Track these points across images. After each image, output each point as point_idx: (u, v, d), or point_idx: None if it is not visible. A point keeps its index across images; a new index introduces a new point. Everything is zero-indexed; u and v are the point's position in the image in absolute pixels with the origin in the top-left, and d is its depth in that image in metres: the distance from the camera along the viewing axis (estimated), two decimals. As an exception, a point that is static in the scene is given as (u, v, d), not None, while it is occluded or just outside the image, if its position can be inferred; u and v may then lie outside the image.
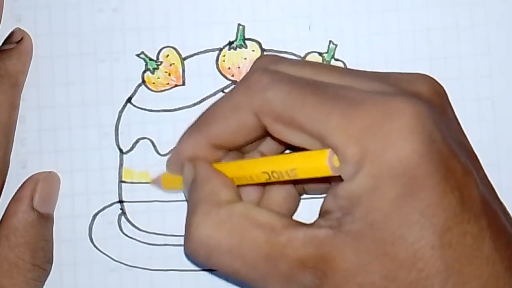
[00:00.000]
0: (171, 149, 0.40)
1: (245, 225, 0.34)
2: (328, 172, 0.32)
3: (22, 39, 0.42)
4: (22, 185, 0.41)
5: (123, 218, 0.42)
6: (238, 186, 0.37)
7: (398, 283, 0.30)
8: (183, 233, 0.41)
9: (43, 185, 0.41)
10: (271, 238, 0.33)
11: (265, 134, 0.36)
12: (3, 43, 0.42)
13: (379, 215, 0.31)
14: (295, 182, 0.38)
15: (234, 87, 0.37)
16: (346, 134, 0.32)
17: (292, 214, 0.39)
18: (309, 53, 0.43)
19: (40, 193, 0.40)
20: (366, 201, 0.31)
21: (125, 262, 0.42)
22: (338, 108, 0.32)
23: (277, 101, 0.34)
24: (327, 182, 0.37)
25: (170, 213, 0.42)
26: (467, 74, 0.43)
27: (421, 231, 0.30)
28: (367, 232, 0.31)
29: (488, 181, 0.34)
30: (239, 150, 0.38)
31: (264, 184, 0.37)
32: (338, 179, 0.33)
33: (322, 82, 0.34)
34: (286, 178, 0.34)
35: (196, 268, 0.42)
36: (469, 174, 0.32)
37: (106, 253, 0.42)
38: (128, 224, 0.42)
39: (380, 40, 0.43)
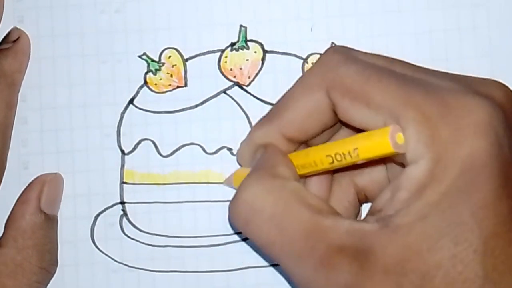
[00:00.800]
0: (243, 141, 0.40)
1: (294, 199, 0.34)
2: (389, 149, 0.32)
3: (18, 38, 0.42)
4: (28, 186, 0.41)
5: (124, 219, 0.42)
6: (305, 177, 0.37)
7: (435, 283, 0.30)
8: (184, 234, 0.42)
9: (50, 187, 0.41)
10: (316, 218, 0.33)
11: (334, 121, 0.36)
12: (0, 43, 0.42)
13: (435, 210, 0.30)
14: (357, 167, 0.38)
15: (306, 71, 0.37)
16: (423, 115, 0.31)
17: None
18: (311, 54, 0.43)
19: (47, 195, 0.40)
20: (427, 192, 0.31)
21: (127, 263, 0.42)
22: (418, 91, 0.32)
23: (350, 76, 0.34)
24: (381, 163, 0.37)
25: (172, 214, 0.42)
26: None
27: (467, 233, 0.30)
28: (416, 227, 0.31)
29: None
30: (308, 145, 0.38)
31: (328, 172, 0.37)
32: (398, 169, 0.33)
33: (397, 70, 0.34)
34: (349, 160, 0.34)
35: (198, 269, 0.42)
36: None
37: (108, 254, 0.42)
38: (130, 225, 0.42)
39: (382, 41, 0.43)
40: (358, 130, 0.34)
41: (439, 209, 0.30)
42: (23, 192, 0.41)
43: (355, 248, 0.31)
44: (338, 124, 0.37)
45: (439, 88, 0.32)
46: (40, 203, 0.40)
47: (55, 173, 0.42)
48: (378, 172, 0.38)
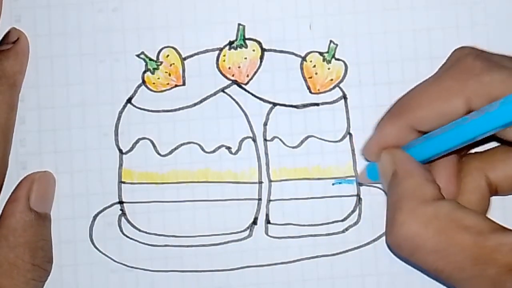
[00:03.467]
0: (370, 136, 0.40)
1: (452, 226, 0.34)
2: None
3: (18, 39, 0.42)
4: (18, 185, 0.41)
5: (123, 219, 0.42)
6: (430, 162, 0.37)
7: None
8: (183, 234, 0.42)
9: (39, 185, 0.40)
10: (479, 241, 0.34)
11: None
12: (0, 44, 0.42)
13: None
14: None
15: (440, 73, 0.37)
16: None
17: None
18: (309, 52, 0.43)
19: (36, 192, 0.40)
20: None
21: (125, 263, 0.42)
22: None
23: (495, 86, 0.34)
24: None
25: (171, 214, 0.42)
26: (467, 73, 0.43)
27: None
28: None
29: None
30: None
31: (453, 157, 0.38)
32: None
33: None
34: None
35: (197, 269, 0.42)
36: None
37: (107, 254, 0.42)
38: (128, 225, 0.42)
39: (380, 39, 0.43)
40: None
41: None
42: (13, 191, 0.40)
43: None
44: None
45: None
46: (30, 201, 0.40)
47: (45, 171, 0.42)
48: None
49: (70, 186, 0.42)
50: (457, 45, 0.42)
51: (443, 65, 0.39)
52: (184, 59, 0.43)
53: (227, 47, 0.43)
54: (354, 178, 0.42)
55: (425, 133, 0.38)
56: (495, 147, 0.40)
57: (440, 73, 0.37)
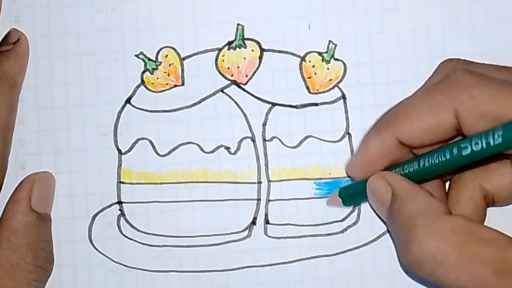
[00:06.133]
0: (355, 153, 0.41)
1: (471, 240, 0.34)
2: None
3: (18, 40, 0.42)
4: (18, 186, 0.41)
5: (122, 219, 0.42)
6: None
7: None
8: (182, 234, 0.42)
9: (40, 186, 0.41)
10: (500, 254, 0.33)
11: (453, 137, 0.36)
12: (0, 45, 0.42)
13: None
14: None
15: (429, 87, 0.37)
16: None
17: None
18: (308, 52, 0.43)
19: (37, 193, 0.40)
20: None
21: (124, 263, 0.42)
22: None
23: (485, 98, 0.34)
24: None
25: (169, 214, 0.42)
26: (467, 73, 0.42)
27: None
28: None
29: None
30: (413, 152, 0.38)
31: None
32: None
33: None
34: None
35: (196, 269, 0.42)
36: None
37: (106, 254, 0.42)
38: (127, 225, 0.42)
39: (380, 39, 0.43)
40: None
41: None
42: (14, 192, 0.40)
43: None
44: None
45: None
46: (31, 202, 0.40)
47: (45, 172, 0.42)
48: (508, 178, 0.38)
49: (69, 186, 0.42)
50: (457, 44, 0.43)
51: (430, 78, 0.39)
52: (183, 59, 0.43)
53: (226, 47, 0.43)
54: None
55: (411, 148, 0.37)
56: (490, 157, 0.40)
57: (428, 87, 0.37)
